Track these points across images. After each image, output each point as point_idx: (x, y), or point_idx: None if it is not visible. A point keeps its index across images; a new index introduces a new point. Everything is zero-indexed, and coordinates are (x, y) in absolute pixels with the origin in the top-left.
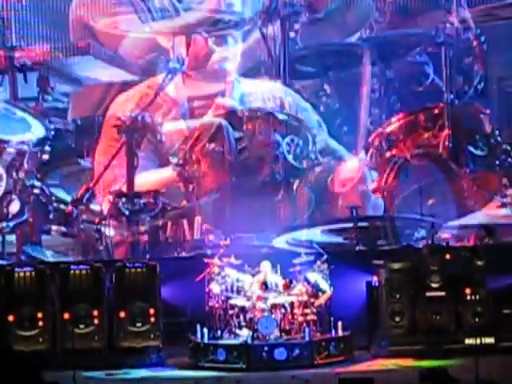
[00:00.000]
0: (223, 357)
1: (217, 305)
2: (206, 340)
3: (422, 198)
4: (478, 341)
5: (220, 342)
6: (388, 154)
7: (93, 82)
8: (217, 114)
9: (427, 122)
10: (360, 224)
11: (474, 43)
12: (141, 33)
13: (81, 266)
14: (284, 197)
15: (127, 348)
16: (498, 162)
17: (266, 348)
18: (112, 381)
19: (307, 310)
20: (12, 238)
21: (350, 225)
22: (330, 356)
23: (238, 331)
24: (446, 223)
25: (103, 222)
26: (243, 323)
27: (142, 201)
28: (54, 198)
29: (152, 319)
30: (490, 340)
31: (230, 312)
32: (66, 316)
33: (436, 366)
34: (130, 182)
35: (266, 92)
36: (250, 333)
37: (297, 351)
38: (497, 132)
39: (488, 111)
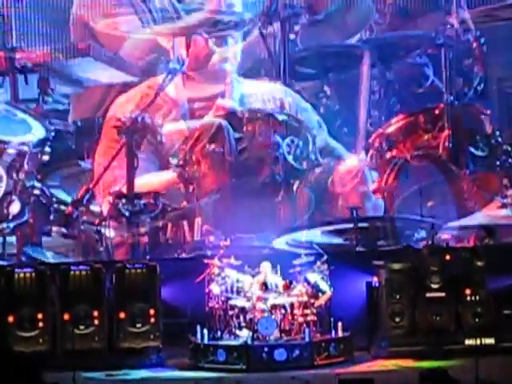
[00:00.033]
0: (223, 357)
1: (217, 305)
2: (206, 341)
3: (422, 199)
4: (478, 341)
5: (220, 342)
6: (388, 155)
7: (93, 84)
8: (217, 115)
9: (427, 123)
10: (360, 225)
11: (474, 45)
12: (141, 34)
13: (81, 267)
14: (284, 197)
15: (127, 349)
16: (498, 163)
17: (265, 349)
18: (112, 381)
19: (307, 311)
20: (12, 239)
21: (351, 225)
22: (329, 357)
23: (238, 332)
24: (446, 224)
25: (103, 223)
26: (243, 324)
27: (142, 202)
28: (54, 199)
29: (152, 320)
30: (490, 341)
31: (230, 313)
32: (66, 317)
33: (436, 367)
34: (130, 182)
35: (266, 93)
36: (250, 333)
37: (297, 352)
38: (497, 133)
39: (488, 112)
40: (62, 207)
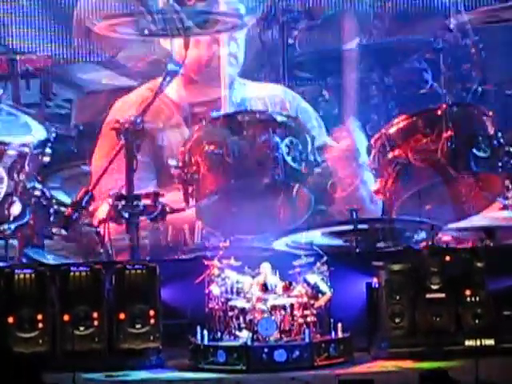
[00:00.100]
0: (223, 358)
1: (217, 306)
2: (205, 342)
3: (421, 201)
4: (478, 342)
5: (220, 343)
6: (390, 155)
7: (95, 86)
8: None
9: (426, 127)
10: (360, 226)
11: (472, 50)
12: (141, 36)
13: (81, 268)
14: (284, 199)
15: (127, 350)
16: (500, 164)
17: (265, 349)
18: (112, 382)
19: (307, 312)
20: (14, 241)
21: (350, 227)
22: (329, 357)
23: (237, 333)
24: (445, 226)
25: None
26: (243, 325)
27: (141, 203)
28: (54, 201)
29: (152, 321)
30: (490, 342)
31: (230, 314)
32: (66, 318)
33: (436, 368)
34: (130, 184)
35: (267, 95)
36: (250, 334)
37: (297, 353)
38: (499, 134)
39: (491, 113)
40: (62, 209)
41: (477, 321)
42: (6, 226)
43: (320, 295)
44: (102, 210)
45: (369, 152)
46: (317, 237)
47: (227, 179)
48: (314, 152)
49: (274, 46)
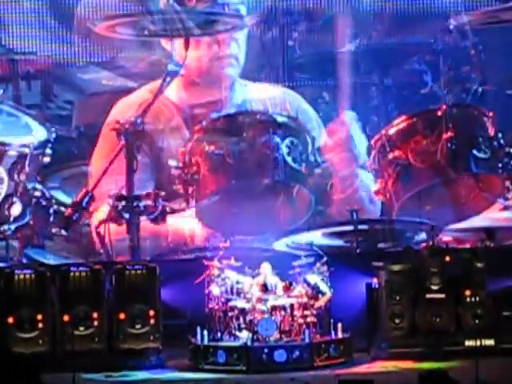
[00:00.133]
0: (223, 359)
1: (217, 307)
2: (205, 342)
3: (421, 202)
4: (478, 343)
5: (220, 343)
6: (390, 156)
7: (95, 87)
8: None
9: (425, 129)
10: (360, 227)
11: (472, 52)
12: (141, 36)
13: (80, 268)
14: (284, 199)
15: (127, 350)
16: (500, 165)
17: (265, 350)
18: (111, 382)
19: (307, 312)
20: (15, 242)
21: (351, 228)
22: (329, 358)
23: (237, 333)
24: (445, 227)
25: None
26: (243, 325)
27: (142, 203)
28: (53, 201)
29: (152, 321)
30: (489, 342)
31: (230, 314)
32: (66, 318)
33: (436, 368)
34: (130, 184)
35: (268, 97)
36: (250, 335)
37: (297, 353)
38: (500, 135)
39: (491, 114)
40: (62, 209)
41: (477, 321)
42: (6, 227)
43: (320, 295)
44: (103, 210)
45: (369, 153)
46: (317, 237)
47: (227, 180)
48: (314, 153)
49: (274, 47)
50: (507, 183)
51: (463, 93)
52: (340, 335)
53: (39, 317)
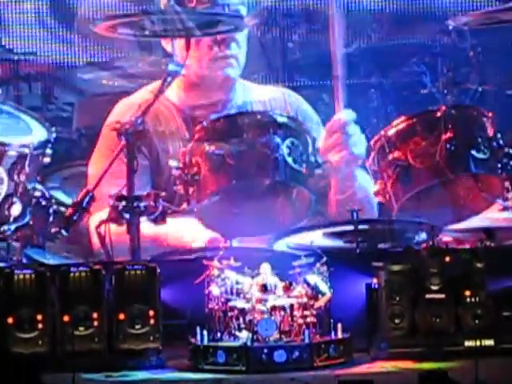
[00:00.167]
0: (223, 359)
1: (216, 307)
2: (205, 342)
3: (421, 202)
4: (478, 343)
5: (220, 344)
6: (390, 157)
7: (96, 88)
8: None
9: (425, 129)
10: (360, 227)
11: (471, 53)
12: (141, 36)
13: (80, 268)
14: (284, 200)
15: (127, 350)
16: (499, 166)
17: (265, 350)
18: (111, 383)
19: (307, 312)
20: (16, 243)
21: (351, 228)
22: (329, 358)
23: (237, 333)
24: (445, 227)
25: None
26: (243, 325)
27: (142, 204)
28: (53, 201)
29: (152, 321)
30: (489, 342)
31: (230, 314)
32: (66, 318)
33: (436, 368)
34: (130, 185)
35: (269, 97)
36: (250, 335)
37: (296, 353)
38: (499, 135)
39: (490, 114)
40: (62, 209)
41: (476, 321)
42: (6, 227)
43: (320, 296)
44: (100, 216)
45: (368, 153)
46: (318, 237)
47: (228, 180)
48: (314, 153)
49: (274, 49)
50: (506, 184)
51: (462, 93)
52: (340, 335)
53: (39, 317)
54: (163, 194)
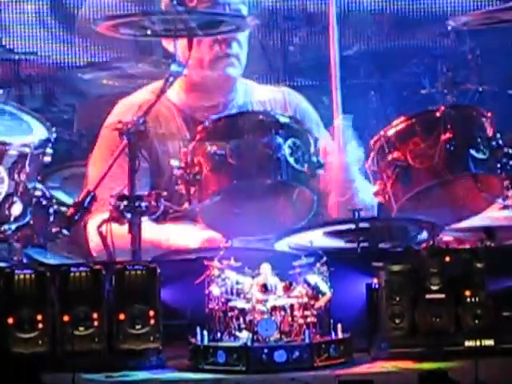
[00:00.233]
0: (223, 359)
1: (217, 307)
2: (205, 342)
3: (421, 203)
4: (478, 343)
5: (220, 344)
6: (389, 158)
7: (96, 89)
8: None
9: (424, 130)
10: (361, 226)
11: (470, 56)
12: (143, 36)
13: (81, 268)
14: (286, 200)
15: (127, 350)
16: (499, 165)
17: (265, 350)
18: (112, 383)
19: (307, 313)
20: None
21: (352, 227)
22: (329, 358)
23: (237, 333)
24: (446, 227)
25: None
26: (243, 325)
27: (143, 203)
28: (54, 201)
29: (152, 321)
30: (489, 342)
31: (230, 314)
32: (66, 318)
33: (436, 368)
34: (132, 184)
35: (270, 97)
36: (250, 335)
37: (297, 353)
38: (498, 135)
39: (489, 114)
40: (63, 209)
41: (476, 321)
42: (6, 227)
43: (320, 296)
44: (96, 220)
45: (367, 154)
46: (318, 237)
47: (229, 180)
48: (316, 153)
49: (275, 52)
50: (506, 183)
51: (462, 95)
52: (340, 335)
53: (39, 317)
54: (165, 193)
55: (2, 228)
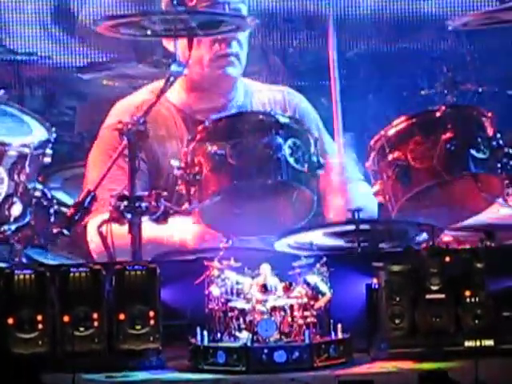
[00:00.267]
0: (223, 359)
1: (216, 307)
2: (205, 342)
3: (421, 203)
4: (478, 343)
5: (220, 344)
6: (390, 158)
7: (96, 89)
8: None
9: (425, 129)
10: (362, 227)
11: (468, 58)
12: (142, 36)
13: (80, 269)
14: (286, 200)
15: (127, 350)
16: (499, 165)
17: (265, 350)
18: (112, 383)
19: (307, 313)
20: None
21: (352, 227)
22: (329, 358)
23: (237, 334)
24: (446, 228)
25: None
26: (243, 326)
27: (143, 204)
28: (54, 201)
29: (152, 322)
30: (489, 342)
31: (230, 314)
32: (66, 318)
33: (436, 368)
34: (132, 184)
35: (269, 96)
36: (250, 335)
37: (296, 354)
38: (498, 135)
39: (490, 114)
40: (63, 209)
41: (476, 321)
42: (6, 227)
43: (320, 296)
44: (96, 221)
45: (368, 154)
46: (319, 237)
47: (229, 180)
48: (316, 153)
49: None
50: (506, 183)
51: (462, 96)
52: (340, 336)
53: (39, 317)
54: (165, 193)
55: (2, 228)
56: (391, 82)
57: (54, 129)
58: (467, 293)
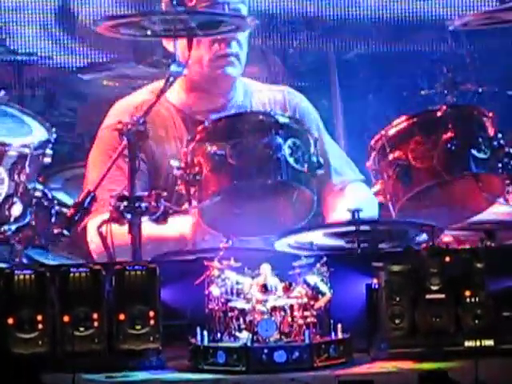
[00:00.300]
0: (223, 359)
1: (216, 307)
2: (205, 342)
3: (421, 203)
4: (478, 343)
5: (220, 344)
6: (390, 157)
7: (96, 89)
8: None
9: (425, 129)
10: (362, 227)
11: (468, 59)
12: (142, 36)
13: (80, 269)
14: (286, 200)
15: (127, 350)
16: (500, 165)
17: (265, 350)
18: (112, 383)
19: (307, 313)
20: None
21: (352, 228)
22: (329, 358)
23: (237, 334)
24: (446, 228)
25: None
26: (243, 326)
27: (143, 204)
28: (55, 202)
29: (152, 322)
30: (489, 342)
31: (230, 314)
32: (66, 319)
33: (436, 369)
34: (132, 185)
35: (269, 96)
36: (250, 335)
37: (296, 354)
38: (499, 135)
39: (491, 114)
40: (64, 210)
41: (476, 321)
42: (6, 227)
43: (320, 296)
44: (96, 221)
45: (369, 154)
46: (319, 237)
47: (229, 180)
48: (316, 154)
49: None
50: (507, 183)
51: (462, 96)
52: (340, 336)
53: (39, 317)
54: (165, 194)
55: (2, 229)
56: (391, 82)
57: (54, 129)
58: (467, 293)
